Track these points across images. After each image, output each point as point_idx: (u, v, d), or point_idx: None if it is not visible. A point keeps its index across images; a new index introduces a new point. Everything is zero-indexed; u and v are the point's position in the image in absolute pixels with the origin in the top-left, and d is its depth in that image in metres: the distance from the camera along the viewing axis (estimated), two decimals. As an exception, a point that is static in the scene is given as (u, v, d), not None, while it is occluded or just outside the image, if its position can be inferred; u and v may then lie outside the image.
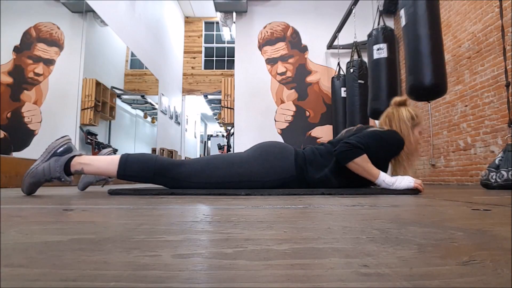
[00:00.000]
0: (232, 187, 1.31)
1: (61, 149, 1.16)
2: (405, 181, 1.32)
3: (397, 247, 0.33)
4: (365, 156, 1.33)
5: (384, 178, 1.34)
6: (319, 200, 0.95)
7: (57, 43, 2.91)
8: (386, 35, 3.11)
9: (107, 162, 1.22)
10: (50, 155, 1.15)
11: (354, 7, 3.82)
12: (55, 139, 1.19)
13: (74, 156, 1.17)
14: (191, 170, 1.30)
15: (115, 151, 3.68)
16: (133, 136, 4.65)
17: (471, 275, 0.23)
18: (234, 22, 5.30)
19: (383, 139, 1.42)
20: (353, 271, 0.24)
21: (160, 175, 1.26)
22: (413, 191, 1.31)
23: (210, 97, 6.90)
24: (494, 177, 1.98)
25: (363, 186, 1.45)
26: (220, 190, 1.22)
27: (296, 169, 1.37)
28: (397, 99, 1.56)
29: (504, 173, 1.93)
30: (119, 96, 4.01)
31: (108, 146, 3.58)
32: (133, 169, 1.23)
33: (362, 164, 1.33)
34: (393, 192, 1.30)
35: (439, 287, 0.21)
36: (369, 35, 3.24)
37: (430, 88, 2.30)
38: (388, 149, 1.45)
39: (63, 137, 1.20)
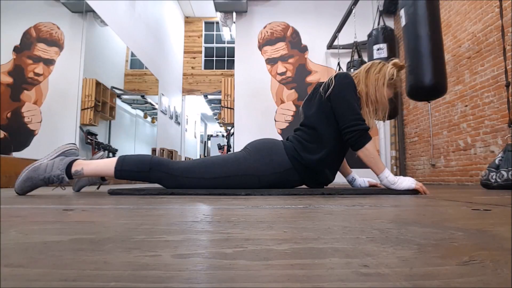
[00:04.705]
0: (228, 183, 1.32)
1: (69, 151, 1.24)
2: (406, 181, 1.32)
3: (397, 247, 0.33)
4: (373, 142, 1.36)
5: (388, 175, 1.35)
6: (319, 200, 0.95)
7: (57, 43, 2.91)
8: (386, 35, 3.11)
9: (106, 162, 1.27)
10: (57, 154, 1.22)
11: (354, 7, 3.82)
12: (58, 141, 1.24)
13: (78, 159, 1.23)
14: (187, 165, 1.33)
15: (114, 152, 3.68)
16: (133, 136, 4.65)
17: (471, 275, 0.23)
18: (234, 22, 5.30)
19: (341, 90, 1.40)
20: (353, 271, 0.24)
21: (156, 170, 1.27)
22: (412, 192, 1.31)
23: (210, 97, 6.90)
24: (494, 177, 1.98)
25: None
26: (220, 190, 1.22)
27: (291, 161, 1.39)
28: (396, 61, 1.53)
29: (504, 173, 1.93)
30: (119, 96, 4.01)
31: (108, 146, 3.58)
32: (130, 164, 1.26)
33: (372, 151, 1.35)
34: (393, 192, 1.30)
35: (439, 287, 0.21)
36: (369, 35, 3.24)
37: (430, 88, 2.30)
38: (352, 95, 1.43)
39: (71, 143, 1.28)
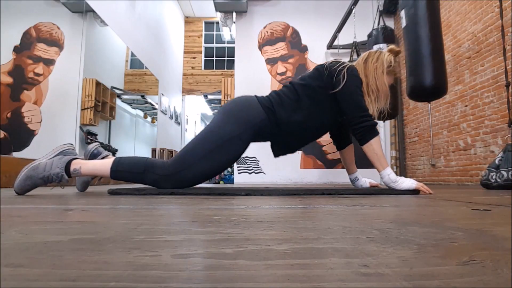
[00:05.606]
0: (216, 158, 1.31)
1: (66, 151, 1.26)
2: (407, 182, 1.32)
3: (397, 247, 0.33)
4: (379, 137, 1.37)
5: (390, 173, 1.35)
6: (319, 200, 0.95)
7: (57, 43, 2.91)
8: (386, 35, 3.11)
9: (103, 162, 1.28)
10: (55, 154, 1.24)
11: (354, 7, 3.82)
12: (59, 141, 1.26)
13: (76, 158, 1.25)
14: (174, 161, 1.32)
15: (114, 152, 3.68)
16: (133, 136, 4.65)
17: (471, 275, 0.23)
18: (234, 22, 5.30)
19: (352, 86, 1.41)
20: (353, 271, 0.24)
21: (151, 172, 1.28)
22: (413, 192, 1.31)
23: (210, 97, 6.89)
24: (494, 177, 1.98)
25: (321, 132, 1.51)
26: (220, 190, 1.22)
27: (265, 112, 1.38)
28: (393, 47, 1.54)
29: (504, 173, 1.93)
30: (119, 96, 4.01)
31: (108, 146, 3.58)
32: (125, 165, 1.27)
33: (377, 147, 1.36)
34: (394, 192, 1.30)
35: (439, 287, 0.21)
36: (369, 35, 3.24)
37: (431, 89, 2.30)
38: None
39: (68, 143, 1.31)
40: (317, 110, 1.41)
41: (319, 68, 1.46)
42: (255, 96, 1.46)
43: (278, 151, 1.53)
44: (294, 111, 1.39)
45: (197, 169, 1.30)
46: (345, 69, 1.42)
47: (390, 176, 1.35)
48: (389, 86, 1.50)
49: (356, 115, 1.37)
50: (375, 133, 1.37)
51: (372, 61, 1.47)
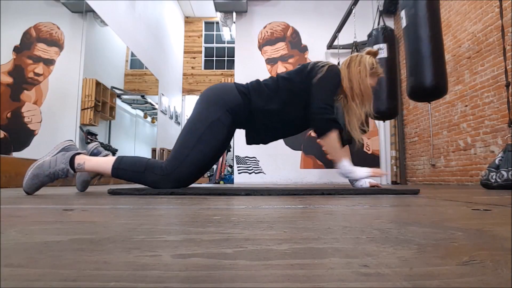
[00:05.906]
0: (206, 143, 1.34)
1: (68, 147, 1.28)
2: (362, 170, 1.42)
3: (397, 247, 0.33)
4: (337, 132, 1.41)
5: (346, 164, 1.43)
6: (319, 200, 0.95)
7: (57, 43, 2.91)
8: (386, 35, 3.11)
9: (106, 160, 1.30)
10: (58, 150, 1.25)
11: (354, 7, 3.82)
12: (58, 141, 1.30)
13: (79, 153, 1.27)
14: (170, 159, 1.34)
15: (114, 152, 3.68)
16: (133, 136, 4.65)
17: (471, 275, 0.23)
18: (234, 22, 5.30)
19: (326, 81, 1.45)
20: (353, 271, 0.24)
21: (151, 172, 1.29)
22: (412, 192, 1.31)
23: (210, 97, 6.90)
24: (494, 177, 1.98)
25: (302, 129, 1.55)
26: (220, 190, 1.22)
27: (241, 97, 1.42)
28: (369, 48, 1.62)
29: (504, 173, 1.93)
30: (119, 96, 4.01)
31: (108, 146, 3.58)
32: (127, 164, 1.29)
33: (333, 141, 1.40)
34: (393, 192, 1.31)
35: (439, 287, 0.21)
36: (369, 35, 3.24)
37: (431, 89, 2.30)
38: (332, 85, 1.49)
39: (69, 140, 1.33)
40: (293, 105, 1.45)
41: (305, 65, 1.52)
42: (234, 83, 1.50)
43: (250, 139, 1.57)
44: (269, 101, 1.43)
45: (192, 162, 1.32)
46: (327, 66, 1.47)
47: (346, 167, 1.42)
48: (371, 87, 1.55)
49: (317, 106, 1.40)
50: (333, 126, 1.40)
51: (355, 65, 1.52)
